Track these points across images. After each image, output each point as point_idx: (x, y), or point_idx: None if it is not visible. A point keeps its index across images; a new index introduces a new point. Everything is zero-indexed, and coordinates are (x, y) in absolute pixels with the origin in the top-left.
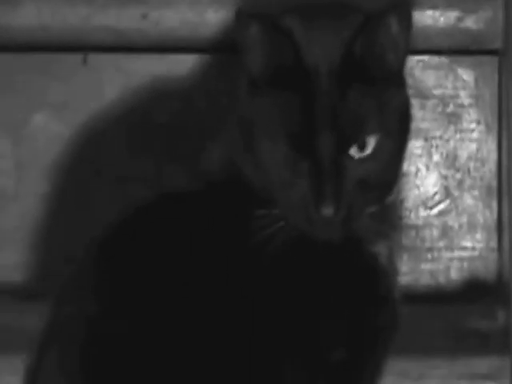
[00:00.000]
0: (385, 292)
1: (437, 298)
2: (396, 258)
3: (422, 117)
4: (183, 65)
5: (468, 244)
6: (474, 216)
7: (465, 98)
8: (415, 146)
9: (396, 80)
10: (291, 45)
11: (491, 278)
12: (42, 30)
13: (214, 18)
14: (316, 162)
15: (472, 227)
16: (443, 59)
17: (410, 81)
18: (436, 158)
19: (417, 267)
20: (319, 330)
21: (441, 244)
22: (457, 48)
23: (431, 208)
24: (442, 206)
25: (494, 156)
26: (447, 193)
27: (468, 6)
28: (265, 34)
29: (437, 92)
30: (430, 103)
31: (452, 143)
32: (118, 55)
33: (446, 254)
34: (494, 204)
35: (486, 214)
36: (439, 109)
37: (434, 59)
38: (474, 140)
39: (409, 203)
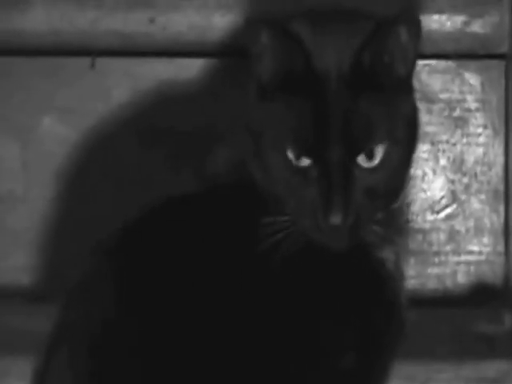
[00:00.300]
0: (391, 297)
1: (444, 302)
2: (402, 263)
3: (428, 121)
4: (190, 69)
5: (475, 248)
6: (480, 220)
7: (471, 102)
8: (422, 150)
9: (404, 87)
10: (302, 51)
11: (498, 282)
12: (50, 34)
13: (221, 23)
14: (325, 169)
15: (479, 231)
16: (450, 63)
17: (416, 85)
18: (443, 162)
19: (424, 271)
20: (326, 335)
21: (448, 248)
22: (463, 52)
23: (438, 212)
24: (448, 210)
25: (500, 160)
26: (454, 197)
27: (474, 10)
28: (275, 40)
29: (443, 96)
30: (437, 107)
31: (459, 147)
32: (125, 59)
33: (453, 258)
34: (501, 208)
35: (492, 218)
36: (446, 113)
37: (441, 63)
38: (481, 144)
39: (416, 207)
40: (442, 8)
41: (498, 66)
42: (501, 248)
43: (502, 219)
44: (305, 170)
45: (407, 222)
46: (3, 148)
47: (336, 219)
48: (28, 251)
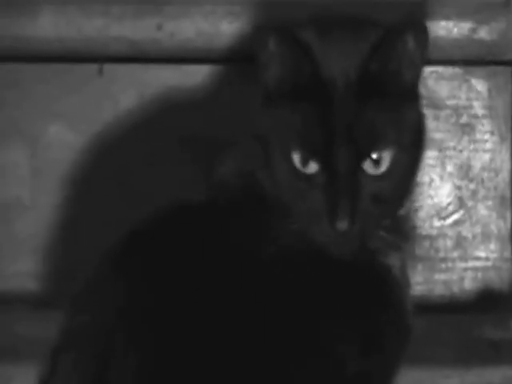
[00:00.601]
0: (397, 303)
1: (451, 307)
2: (408, 269)
3: (435, 127)
4: (197, 75)
5: (482, 254)
6: (487, 226)
7: (478, 108)
8: (429, 156)
9: (411, 95)
10: (309, 58)
11: (505, 288)
12: (58, 40)
13: (228, 29)
14: (332, 176)
15: (486, 237)
16: (457, 70)
17: (423, 91)
18: (450, 168)
19: (431, 277)
20: (332, 340)
21: (455, 254)
22: (470, 59)
23: (445, 218)
24: (455, 217)
25: (507, 166)
26: (461, 203)
27: (481, 16)
28: (283, 47)
29: (450, 103)
30: (444, 114)
31: (466, 154)
32: (133, 66)
33: (460, 265)
34: (508, 214)
35: (499, 224)
36: (453, 119)
37: (448, 70)
38: (488, 150)
39: (423, 213)
40: (448, 15)
41: (504, 72)
42: (508, 254)
43: (508, 225)
44: (311, 176)
45: (414, 228)
46: (11, 154)
47: (342, 225)
48: (35, 257)
